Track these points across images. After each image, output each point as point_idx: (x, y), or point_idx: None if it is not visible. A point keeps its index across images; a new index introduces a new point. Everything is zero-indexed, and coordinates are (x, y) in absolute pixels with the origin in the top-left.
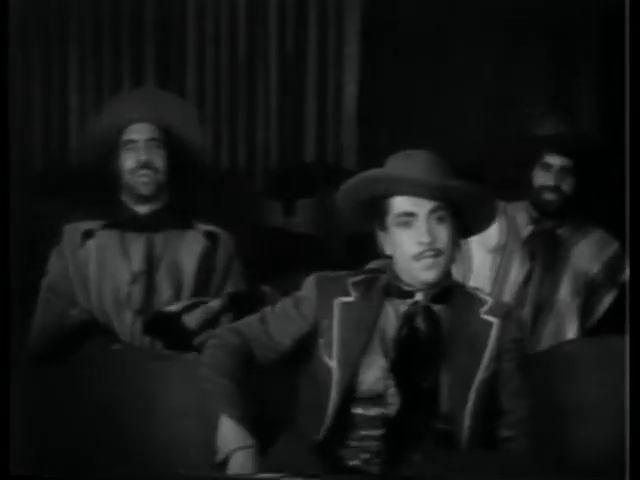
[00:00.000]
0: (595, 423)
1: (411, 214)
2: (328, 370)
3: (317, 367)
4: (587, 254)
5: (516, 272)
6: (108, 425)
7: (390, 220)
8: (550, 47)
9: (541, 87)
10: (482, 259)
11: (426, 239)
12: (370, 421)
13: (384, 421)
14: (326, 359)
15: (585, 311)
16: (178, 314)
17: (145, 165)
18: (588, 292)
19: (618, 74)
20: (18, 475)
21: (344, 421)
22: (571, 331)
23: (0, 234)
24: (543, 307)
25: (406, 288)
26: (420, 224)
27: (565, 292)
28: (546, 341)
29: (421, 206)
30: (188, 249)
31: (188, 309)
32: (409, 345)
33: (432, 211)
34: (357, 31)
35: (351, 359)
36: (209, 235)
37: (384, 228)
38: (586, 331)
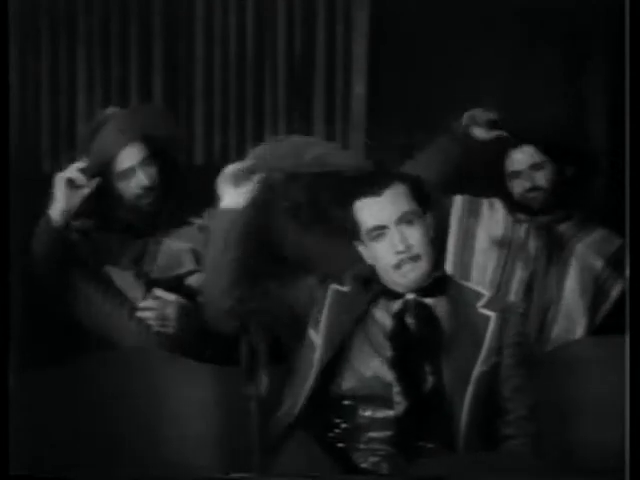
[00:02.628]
0: (597, 423)
1: (381, 227)
2: (312, 346)
3: (305, 344)
4: (592, 250)
5: (521, 271)
6: (110, 426)
7: (364, 235)
8: (562, 48)
9: (551, 87)
10: (486, 252)
11: (401, 247)
12: (378, 423)
13: (392, 422)
14: (312, 334)
15: (593, 307)
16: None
17: (150, 189)
18: (595, 288)
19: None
20: (17, 475)
21: (321, 400)
22: (580, 328)
23: (0, 235)
24: (550, 305)
25: (396, 289)
26: (392, 234)
27: (572, 289)
28: (556, 339)
29: (388, 216)
30: (182, 247)
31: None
32: (405, 341)
33: (400, 218)
34: (366, 31)
35: (335, 340)
36: (203, 229)
37: (362, 242)
38: (595, 327)
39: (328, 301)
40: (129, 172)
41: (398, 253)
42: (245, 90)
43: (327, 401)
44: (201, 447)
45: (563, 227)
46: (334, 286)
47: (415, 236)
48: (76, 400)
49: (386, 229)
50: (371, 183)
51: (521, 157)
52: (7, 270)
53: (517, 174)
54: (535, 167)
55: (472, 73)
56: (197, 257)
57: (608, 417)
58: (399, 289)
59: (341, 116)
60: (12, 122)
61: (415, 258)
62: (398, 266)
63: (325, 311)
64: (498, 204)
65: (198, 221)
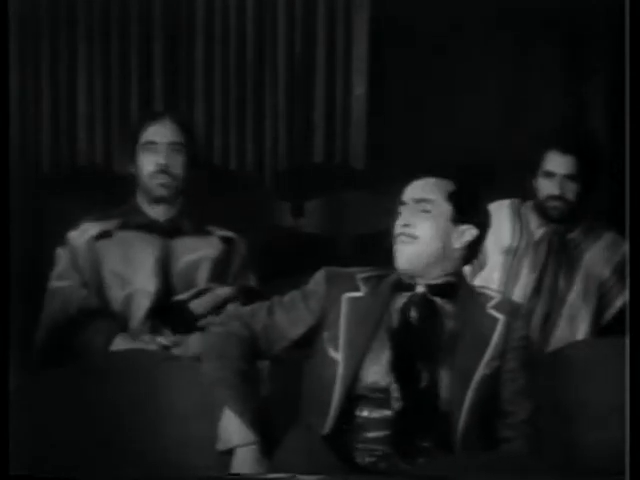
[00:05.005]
0: (598, 424)
1: (402, 203)
2: (334, 363)
3: (322, 361)
4: (599, 258)
5: (527, 274)
6: (110, 426)
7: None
8: (563, 50)
9: (552, 88)
10: (495, 261)
11: (404, 222)
12: (375, 423)
13: (389, 422)
14: (332, 352)
15: (596, 313)
16: (186, 301)
17: (164, 170)
18: (600, 295)
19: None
20: (17, 475)
21: (349, 416)
22: (581, 333)
23: (0, 236)
24: (553, 310)
25: (408, 281)
26: (405, 210)
27: (576, 295)
28: (555, 343)
29: (411, 195)
30: (204, 255)
31: (196, 295)
32: (406, 336)
33: (417, 201)
34: (366, 32)
35: (357, 354)
36: (225, 240)
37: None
38: (596, 333)
39: (344, 312)
40: (151, 146)
41: (400, 227)
42: (245, 91)
43: (354, 415)
44: (201, 447)
45: (572, 234)
46: (347, 295)
47: (424, 222)
48: (76, 400)
49: (404, 206)
50: (425, 168)
51: (562, 161)
52: (7, 270)
53: (550, 175)
54: (570, 177)
55: (474, 73)
56: (215, 268)
57: (609, 418)
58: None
59: (341, 117)
60: (12, 122)
61: (412, 236)
62: (395, 240)
63: (342, 324)
64: (504, 211)
65: (219, 232)
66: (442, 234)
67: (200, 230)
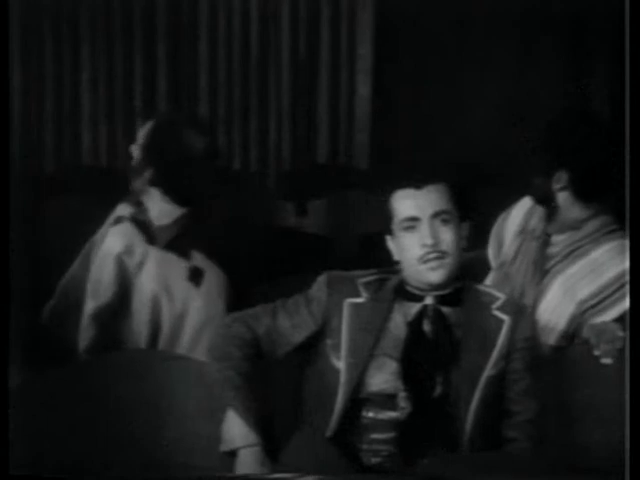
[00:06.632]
0: (598, 424)
1: (415, 218)
2: (336, 372)
3: (324, 368)
4: (580, 275)
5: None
6: (111, 426)
7: (395, 225)
8: (563, 49)
9: (556, 84)
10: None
11: (429, 241)
12: (381, 424)
13: (395, 424)
14: (334, 360)
15: (568, 327)
16: None
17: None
18: (575, 312)
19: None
20: (17, 475)
21: (350, 423)
22: (553, 340)
23: (0, 234)
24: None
25: (416, 292)
26: (424, 227)
27: (548, 304)
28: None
29: (424, 210)
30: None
31: None
32: (418, 349)
33: (435, 214)
34: (370, 32)
35: (359, 362)
36: (194, 272)
37: (391, 232)
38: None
39: (345, 319)
40: None
41: (425, 246)
42: (249, 91)
43: (357, 420)
44: (204, 448)
45: (557, 246)
46: (349, 300)
47: (446, 235)
48: (76, 400)
49: (418, 222)
50: (414, 176)
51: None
52: (7, 270)
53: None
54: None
55: (479, 71)
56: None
57: (609, 418)
58: (420, 285)
59: (345, 117)
60: (14, 122)
61: (441, 255)
62: (423, 260)
63: (344, 332)
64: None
65: (196, 259)
66: (460, 241)
67: (182, 251)
